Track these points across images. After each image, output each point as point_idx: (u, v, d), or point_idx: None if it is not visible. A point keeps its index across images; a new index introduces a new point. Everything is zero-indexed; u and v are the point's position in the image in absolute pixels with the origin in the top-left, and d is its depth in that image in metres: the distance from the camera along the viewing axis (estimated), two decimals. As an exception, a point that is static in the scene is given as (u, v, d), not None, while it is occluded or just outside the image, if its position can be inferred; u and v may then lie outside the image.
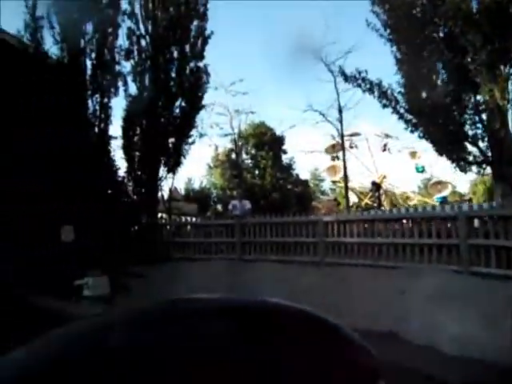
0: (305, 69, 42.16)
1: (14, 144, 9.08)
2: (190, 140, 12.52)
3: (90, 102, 11.61)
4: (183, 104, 12.53)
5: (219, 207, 27.37)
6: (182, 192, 28.06)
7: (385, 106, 11.93)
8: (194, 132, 12.72)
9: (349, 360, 0.89)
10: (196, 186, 29.77)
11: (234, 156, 25.52)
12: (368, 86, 12.29)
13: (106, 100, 11.75)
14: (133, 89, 12.45)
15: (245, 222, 10.05)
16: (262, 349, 0.86)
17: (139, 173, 11.82)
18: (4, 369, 0.91)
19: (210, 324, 0.90)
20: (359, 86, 12.66)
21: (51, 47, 11.52)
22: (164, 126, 12.05)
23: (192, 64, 12.93)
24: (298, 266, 8.66)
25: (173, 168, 12.18)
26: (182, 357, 0.84)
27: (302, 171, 32.23)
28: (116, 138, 11.80)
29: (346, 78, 13.45)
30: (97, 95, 11.69)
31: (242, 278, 8.24)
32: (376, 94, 12.10)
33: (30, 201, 8.80)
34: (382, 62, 33.01)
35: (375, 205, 24.45)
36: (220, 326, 0.88)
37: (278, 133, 25.58)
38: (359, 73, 12.58)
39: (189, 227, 11.46)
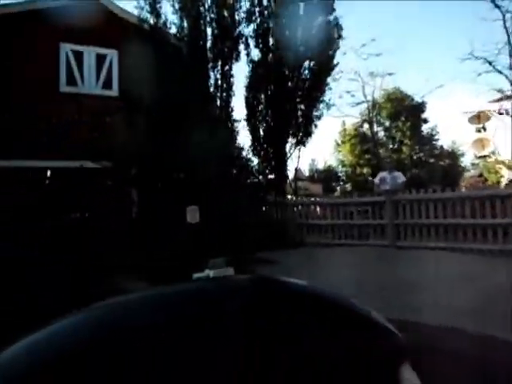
0: (459, 8, 32.99)
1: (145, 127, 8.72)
2: (321, 106, 10.66)
3: (211, 72, 10.49)
4: (312, 65, 10.72)
5: (348, 186, 25.18)
6: (306, 173, 26.42)
7: None
8: (324, 98, 10.80)
9: (371, 344, 0.78)
10: (320, 166, 27.81)
11: (365, 128, 22.97)
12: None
13: (227, 68, 10.50)
14: (255, 53, 11.03)
15: (397, 199, 7.96)
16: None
17: (265, 146, 10.38)
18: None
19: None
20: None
21: (171, 17, 10.75)
22: (291, 91, 10.39)
23: (321, 19, 11.03)
24: (480, 257, 6.37)
25: (302, 139, 10.50)
26: None
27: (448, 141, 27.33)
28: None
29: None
30: (217, 64, 10.50)
31: (403, 273, 6.26)
32: None
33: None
34: None
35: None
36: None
37: (417, 99, 22.20)
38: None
39: (323, 208, 9.71)
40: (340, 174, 26.96)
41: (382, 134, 23.82)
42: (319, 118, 10.50)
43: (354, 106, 21.66)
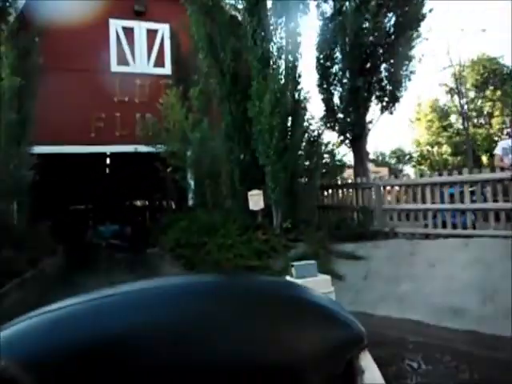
0: None
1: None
2: (410, 64, 8.61)
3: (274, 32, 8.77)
4: (397, 13, 8.69)
5: (424, 168, 22.54)
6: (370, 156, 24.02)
7: None
8: (413, 53, 8.71)
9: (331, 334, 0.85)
10: (385, 149, 25.27)
11: (445, 101, 20.21)
12: None
13: (292, 24, 8.73)
14: (327, 8, 9.17)
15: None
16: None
17: (341, 115, 8.55)
18: None
19: None
20: None
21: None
22: (371, 47, 8.46)
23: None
24: None
25: (388, 105, 8.55)
26: None
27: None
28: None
29: None
30: (281, 20, 8.75)
31: None
32: None
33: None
34: None
35: None
36: None
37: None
38: None
39: (415, 190, 7.71)
40: (413, 155, 24.32)
41: (465, 106, 20.88)
42: (409, 78, 8.48)
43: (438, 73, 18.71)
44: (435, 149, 21.82)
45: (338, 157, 9.11)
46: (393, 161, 26.75)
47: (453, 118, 20.93)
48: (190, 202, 13.39)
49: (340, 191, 9.26)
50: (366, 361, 0.85)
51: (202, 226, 8.93)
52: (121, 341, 0.71)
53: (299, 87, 8.47)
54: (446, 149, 21.37)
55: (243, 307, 0.81)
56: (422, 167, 22.73)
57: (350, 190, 8.84)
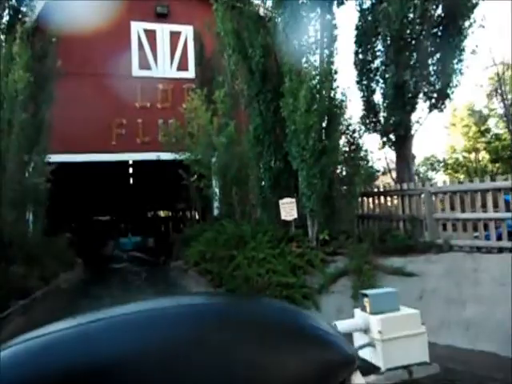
0: None
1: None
2: (462, 56, 7.65)
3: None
4: (445, 5, 7.77)
5: (460, 176, 21.24)
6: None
7: None
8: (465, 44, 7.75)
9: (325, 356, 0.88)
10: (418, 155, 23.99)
11: (483, 105, 18.96)
12: None
13: (328, 16, 7.91)
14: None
15: None
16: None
17: (383, 114, 7.66)
18: None
19: None
20: None
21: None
22: (418, 37, 7.55)
23: None
24: None
25: (437, 103, 7.61)
26: None
27: None
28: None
29: None
30: (315, 11, 7.95)
31: None
32: None
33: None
34: None
35: None
36: None
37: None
38: None
39: (465, 196, 6.69)
40: (447, 162, 23.02)
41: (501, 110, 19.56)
42: (460, 71, 7.53)
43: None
44: (472, 155, 20.56)
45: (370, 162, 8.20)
46: (422, 169, 25.51)
47: (491, 123, 19.73)
48: (216, 212, 12.64)
49: (382, 199, 8.33)
50: (358, 381, 0.92)
51: (230, 237, 8.13)
52: (107, 367, 0.70)
53: (336, 84, 7.64)
54: (484, 155, 20.09)
55: (238, 332, 0.80)
56: (458, 175, 21.46)
57: (395, 198, 7.89)
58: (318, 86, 7.36)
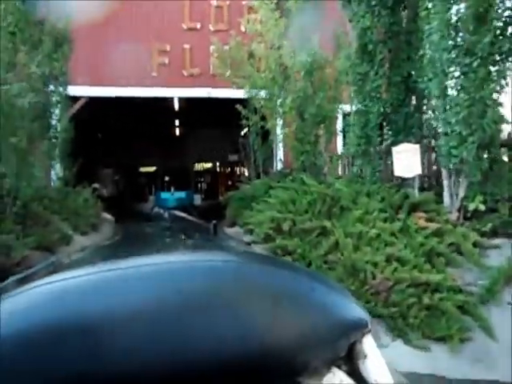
0: None
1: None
2: None
3: None
4: None
5: None
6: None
7: None
8: None
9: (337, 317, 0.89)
10: None
11: None
12: None
13: None
14: None
15: None
16: None
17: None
18: None
19: None
20: None
21: None
22: None
23: None
24: None
25: None
26: None
27: None
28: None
29: None
30: None
31: None
32: None
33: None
34: None
35: None
36: None
37: None
38: None
39: None
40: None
41: None
42: None
43: None
44: None
45: None
46: None
47: None
48: (279, 166, 9.95)
49: None
50: (369, 345, 0.88)
51: (315, 200, 5.39)
52: (123, 314, 0.71)
53: None
54: None
55: (253, 292, 0.81)
56: None
57: None
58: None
